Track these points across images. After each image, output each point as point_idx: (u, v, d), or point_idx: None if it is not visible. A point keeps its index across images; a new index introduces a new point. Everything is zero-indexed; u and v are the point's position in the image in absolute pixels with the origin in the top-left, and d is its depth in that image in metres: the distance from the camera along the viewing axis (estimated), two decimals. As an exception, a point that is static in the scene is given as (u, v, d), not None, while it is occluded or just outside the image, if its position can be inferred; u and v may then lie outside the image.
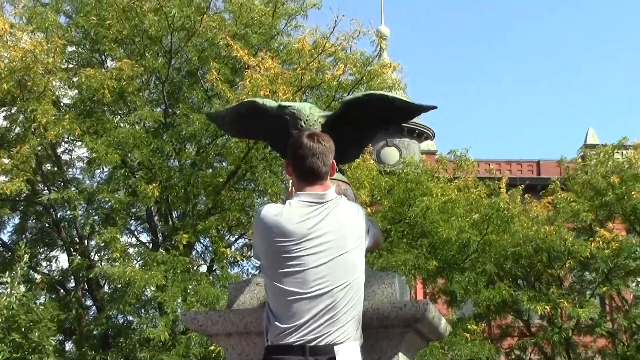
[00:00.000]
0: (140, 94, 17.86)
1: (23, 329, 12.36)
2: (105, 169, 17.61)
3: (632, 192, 20.69)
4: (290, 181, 4.30)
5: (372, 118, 4.74)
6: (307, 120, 4.67)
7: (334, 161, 4.01)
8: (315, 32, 17.77)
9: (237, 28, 17.71)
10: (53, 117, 15.93)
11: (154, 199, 15.99)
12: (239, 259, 17.89)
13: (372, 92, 4.93)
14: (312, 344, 3.62)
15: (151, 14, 16.95)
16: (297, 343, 3.63)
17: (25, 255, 13.23)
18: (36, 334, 12.39)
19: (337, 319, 3.66)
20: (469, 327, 19.15)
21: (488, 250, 19.27)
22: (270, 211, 3.87)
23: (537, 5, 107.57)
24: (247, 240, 18.74)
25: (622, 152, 23.66)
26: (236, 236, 19.24)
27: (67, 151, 19.05)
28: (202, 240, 18.73)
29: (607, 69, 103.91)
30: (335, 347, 3.63)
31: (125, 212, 17.58)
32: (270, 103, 4.96)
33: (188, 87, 17.84)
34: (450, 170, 21.82)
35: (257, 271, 4.98)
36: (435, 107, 4.86)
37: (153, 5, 16.97)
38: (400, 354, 4.31)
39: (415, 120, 34.32)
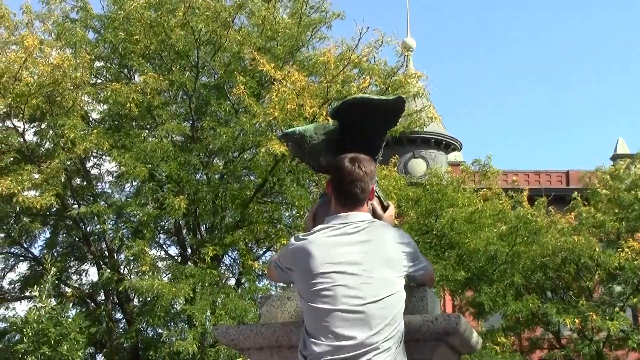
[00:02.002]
0: (168, 108, 17.98)
1: (52, 342, 12.43)
2: (134, 183, 17.74)
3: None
4: (312, 209, 4.45)
5: (371, 122, 4.69)
6: (309, 141, 4.69)
7: (374, 186, 4.07)
8: (341, 44, 17.84)
9: (263, 41, 17.78)
10: (81, 132, 16.07)
11: (182, 211, 16.05)
12: (267, 274, 17.83)
13: (348, 97, 4.88)
14: None
15: (178, 28, 17.07)
16: None
17: (53, 268, 13.34)
18: (65, 347, 12.45)
19: (371, 336, 3.63)
20: (498, 339, 19.04)
21: (517, 261, 19.17)
22: (300, 235, 3.98)
23: (566, 14, 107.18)
24: (274, 253, 18.77)
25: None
26: (264, 249, 19.29)
27: (96, 165, 19.24)
28: (230, 253, 18.79)
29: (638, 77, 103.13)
30: None
31: (153, 226, 17.68)
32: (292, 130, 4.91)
33: (215, 101, 17.92)
34: (477, 181, 21.75)
35: (286, 285, 5.03)
36: (402, 99, 4.66)
37: (179, 20, 17.08)
38: (431, 367, 4.29)
39: (442, 131, 34.25)
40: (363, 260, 3.75)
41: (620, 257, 19.27)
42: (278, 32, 17.87)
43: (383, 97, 4.77)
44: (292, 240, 3.99)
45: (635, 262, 19.45)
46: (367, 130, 4.61)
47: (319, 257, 3.78)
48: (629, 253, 19.52)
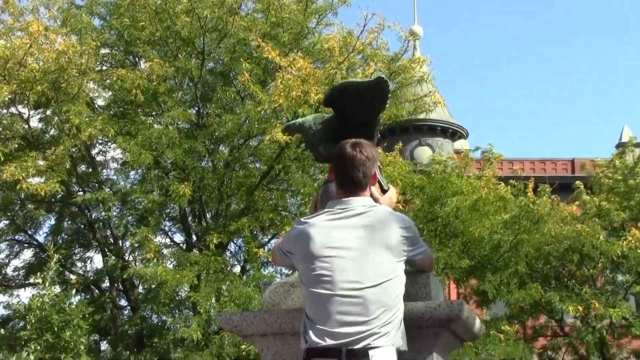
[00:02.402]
0: (173, 94, 17.96)
1: (55, 329, 12.44)
2: (139, 170, 17.73)
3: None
4: (314, 197, 4.51)
5: (361, 106, 4.67)
6: (309, 131, 4.74)
7: (376, 171, 4.07)
8: (342, 30, 17.76)
9: (268, 27, 17.72)
10: (87, 119, 16.05)
11: (187, 198, 16.05)
12: (271, 259, 17.85)
13: (335, 85, 4.90)
14: (348, 347, 3.60)
15: (183, 15, 17.03)
16: (334, 346, 3.62)
17: (56, 255, 13.34)
18: (68, 333, 12.45)
19: (370, 321, 3.64)
20: (502, 327, 19.04)
21: (520, 249, 19.15)
22: (301, 220, 4.00)
23: (571, 2, 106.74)
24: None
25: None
26: (269, 236, 19.28)
27: (101, 152, 19.23)
28: (235, 241, 18.80)
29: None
30: (370, 352, 3.60)
31: (158, 213, 17.67)
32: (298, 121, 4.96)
33: (221, 88, 17.89)
34: (482, 168, 21.69)
35: (290, 271, 5.11)
36: (383, 78, 4.67)
37: (185, 7, 17.04)
38: (434, 354, 4.29)
39: (449, 119, 34.20)
40: (362, 245, 3.76)
41: (623, 246, 19.22)
42: (283, 18, 17.81)
43: (365, 79, 4.79)
44: (295, 224, 4.02)
45: (638, 251, 19.41)
46: (359, 114, 4.62)
47: (318, 241, 3.79)
48: (633, 242, 19.47)
